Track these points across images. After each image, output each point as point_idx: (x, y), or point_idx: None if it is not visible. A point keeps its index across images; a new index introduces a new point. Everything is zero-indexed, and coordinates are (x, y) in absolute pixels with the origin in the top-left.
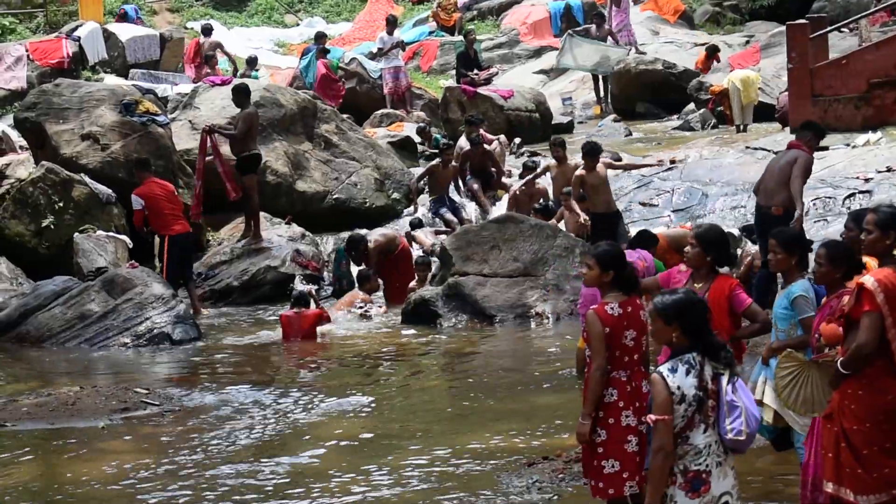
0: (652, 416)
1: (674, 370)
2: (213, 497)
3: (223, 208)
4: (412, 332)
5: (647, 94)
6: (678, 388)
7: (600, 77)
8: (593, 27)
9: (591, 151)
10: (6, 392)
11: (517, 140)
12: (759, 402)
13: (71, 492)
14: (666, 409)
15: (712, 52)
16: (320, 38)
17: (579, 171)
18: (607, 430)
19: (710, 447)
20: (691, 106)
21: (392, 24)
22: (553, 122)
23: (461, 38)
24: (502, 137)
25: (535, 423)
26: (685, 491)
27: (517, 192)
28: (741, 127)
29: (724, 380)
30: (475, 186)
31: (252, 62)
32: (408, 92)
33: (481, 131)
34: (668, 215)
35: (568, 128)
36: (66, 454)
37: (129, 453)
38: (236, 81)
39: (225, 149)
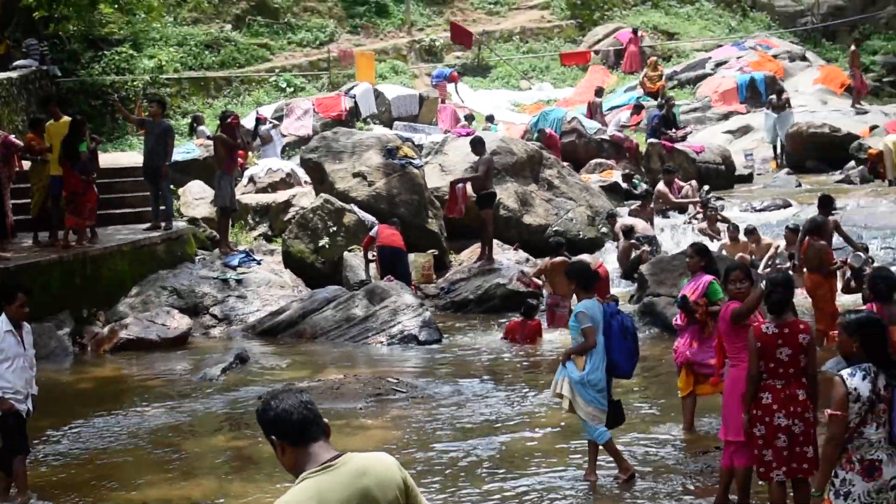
0: (828, 411)
1: (853, 374)
2: (448, 466)
3: (465, 236)
4: None
5: (815, 153)
6: (855, 389)
7: (778, 138)
8: (773, 97)
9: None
10: (284, 378)
11: (706, 187)
12: (559, 395)
13: None
14: (841, 406)
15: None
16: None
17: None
18: (764, 426)
19: (881, 441)
20: (852, 163)
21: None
22: (736, 174)
23: (663, 102)
24: (693, 182)
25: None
26: (862, 476)
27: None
28: (893, 181)
29: None
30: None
31: (490, 118)
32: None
33: (675, 179)
34: None
35: (748, 178)
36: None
37: (382, 429)
38: (477, 134)
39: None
